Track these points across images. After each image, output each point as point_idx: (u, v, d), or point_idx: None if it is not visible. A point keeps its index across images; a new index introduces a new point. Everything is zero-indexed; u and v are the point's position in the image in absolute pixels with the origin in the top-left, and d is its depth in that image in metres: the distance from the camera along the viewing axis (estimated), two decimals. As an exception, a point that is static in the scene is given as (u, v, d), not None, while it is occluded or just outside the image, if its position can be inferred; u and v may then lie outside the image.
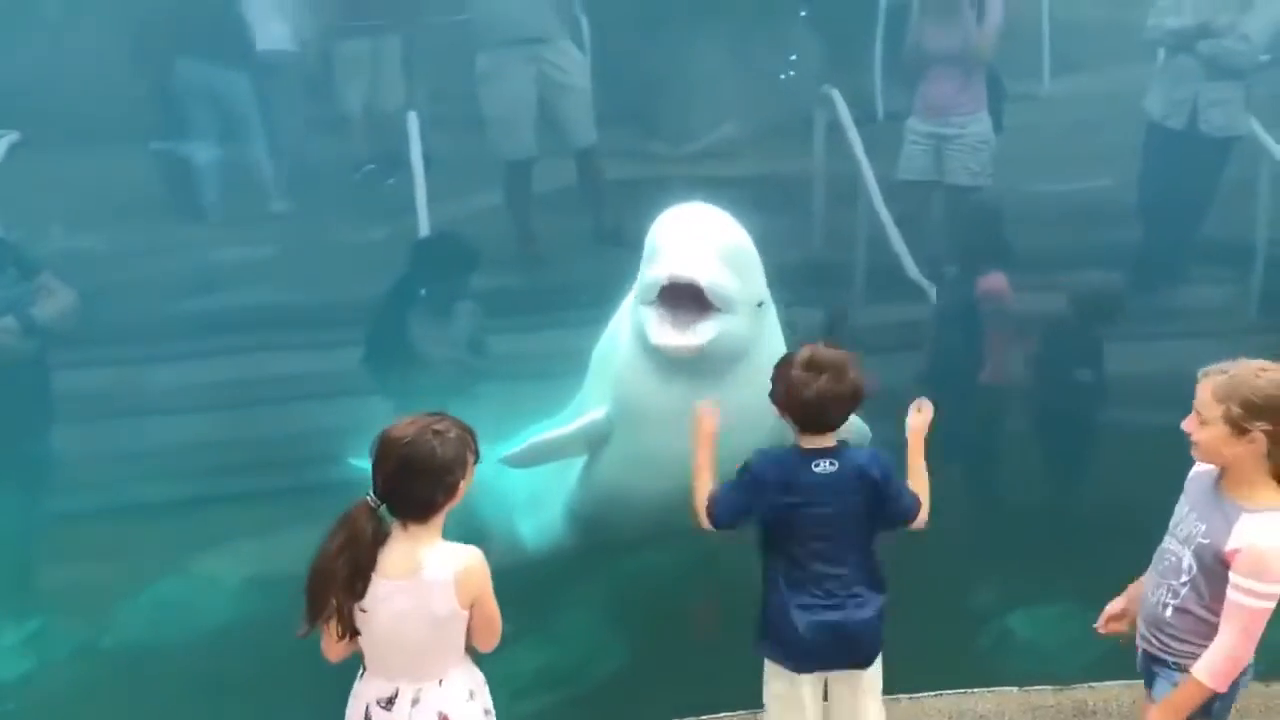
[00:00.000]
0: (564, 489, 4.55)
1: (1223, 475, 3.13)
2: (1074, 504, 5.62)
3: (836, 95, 6.81)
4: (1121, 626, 3.49)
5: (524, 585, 4.63)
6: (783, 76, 8.21)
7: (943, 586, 4.81)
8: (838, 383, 3.30)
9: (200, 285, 6.31)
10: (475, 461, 3.06)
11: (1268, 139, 6.54)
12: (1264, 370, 3.03)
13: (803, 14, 8.09)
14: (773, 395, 3.41)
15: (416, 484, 2.95)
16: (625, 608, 5.00)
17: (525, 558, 4.77)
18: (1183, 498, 3.27)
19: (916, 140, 6.69)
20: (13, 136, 6.04)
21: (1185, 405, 3.16)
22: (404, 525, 2.99)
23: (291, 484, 5.61)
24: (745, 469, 3.44)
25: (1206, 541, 3.10)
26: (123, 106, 6.55)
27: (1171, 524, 3.28)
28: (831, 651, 3.45)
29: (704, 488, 3.52)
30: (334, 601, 2.94)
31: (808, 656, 3.46)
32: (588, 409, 4.27)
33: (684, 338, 3.72)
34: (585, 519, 4.52)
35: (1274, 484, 3.05)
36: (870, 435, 4.20)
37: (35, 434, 5.24)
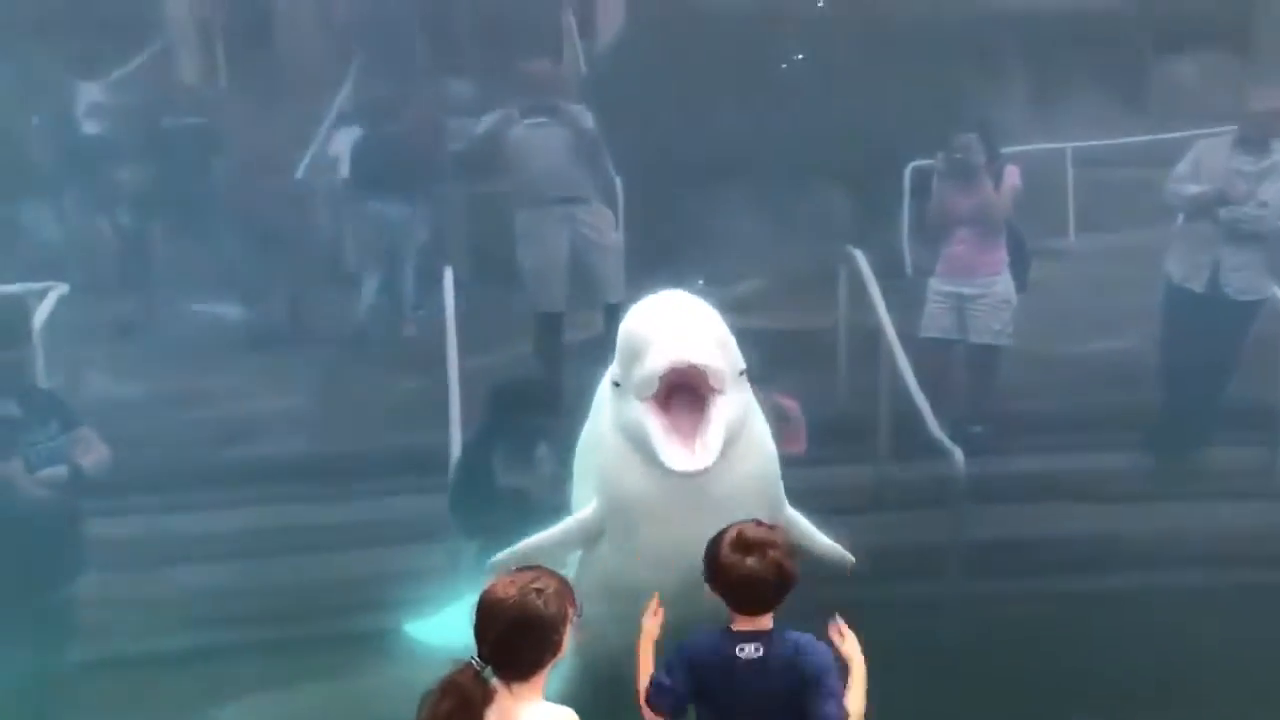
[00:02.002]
0: None
1: None
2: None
3: (859, 254, 6.95)
4: None
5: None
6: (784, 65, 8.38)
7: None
8: (764, 563, 3.28)
9: (230, 435, 6.43)
10: (577, 614, 3.07)
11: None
12: None
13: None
14: (705, 574, 3.38)
15: (525, 645, 2.95)
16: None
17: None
18: None
19: (939, 300, 6.81)
20: (61, 289, 6.21)
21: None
22: (508, 685, 2.97)
23: (312, 636, 5.62)
24: (678, 652, 3.40)
25: None
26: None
27: None
28: None
29: (645, 676, 3.47)
30: None
31: None
32: (577, 507, 4.14)
33: (697, 459, 3.54)
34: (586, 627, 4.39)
35: None
36: (851, 561, 4.14)
37: (58, 582, 5.27)
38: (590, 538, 4.01)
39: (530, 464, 5.45)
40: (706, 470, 3.54)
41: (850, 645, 3.49)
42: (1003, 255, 6.72)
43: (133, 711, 5.25)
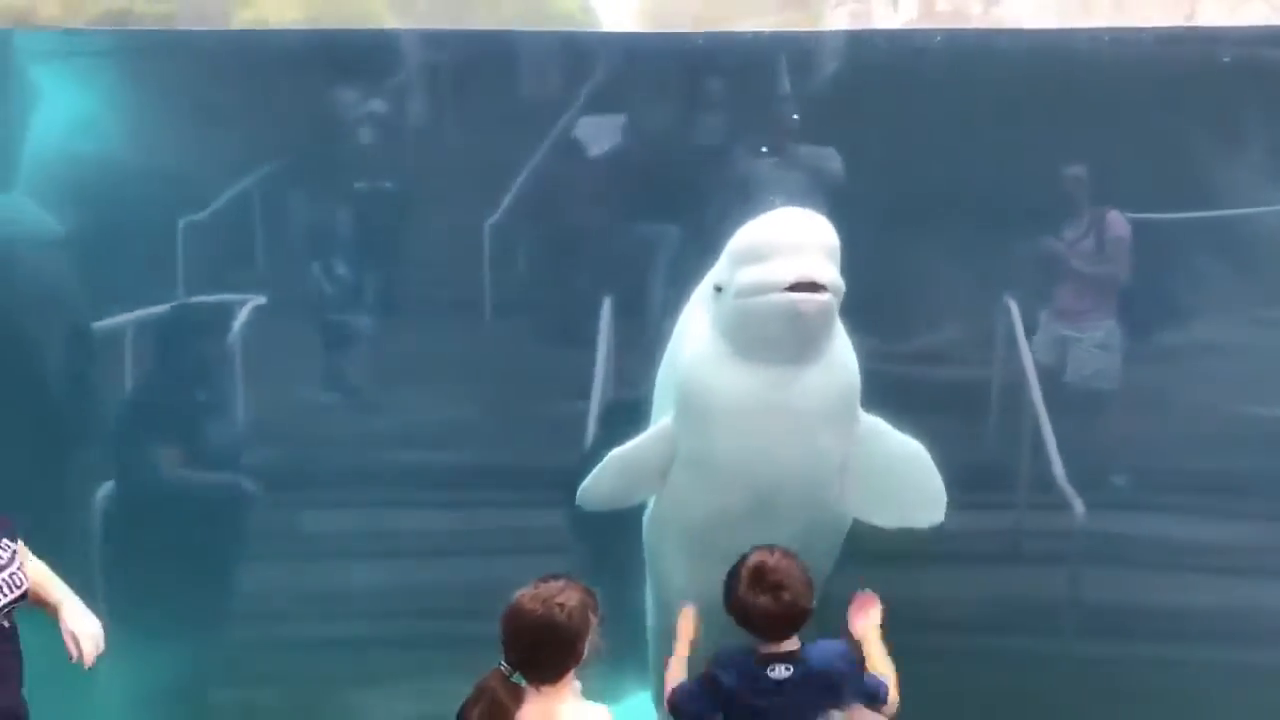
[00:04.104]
0: None
1: None
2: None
3: (1013, 304, 6.88)
4: None
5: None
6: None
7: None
8: (777, 602, 3.41)
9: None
10: (600, 620, 3.36)
11: None
12: None
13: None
14: (725, 600, 3.51)
15: (548, 655, 3.29)
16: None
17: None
18: None
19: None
20: (258, 299, 6.84)
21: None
22: (538, 687, 3.31)
23: (450, 634, 6.00)
24: (704, 675, 3.52)
25: None
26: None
27: None
28: None
29: (674, 679, 3.62)
30: None
31: None
32: None
33: (815, 296, 3.70)
34: (663, 553, 4.42)
35: None
36: (944, 500, 4.21)
37: (225, 570, 5.91)
38: (666, 449, 4.11)
39: None
40: (825, 302, 3.71)
41: (869, 625, 3.66)
42: (1107, 304, 6.55)
43: (277, 685, 5.83)
